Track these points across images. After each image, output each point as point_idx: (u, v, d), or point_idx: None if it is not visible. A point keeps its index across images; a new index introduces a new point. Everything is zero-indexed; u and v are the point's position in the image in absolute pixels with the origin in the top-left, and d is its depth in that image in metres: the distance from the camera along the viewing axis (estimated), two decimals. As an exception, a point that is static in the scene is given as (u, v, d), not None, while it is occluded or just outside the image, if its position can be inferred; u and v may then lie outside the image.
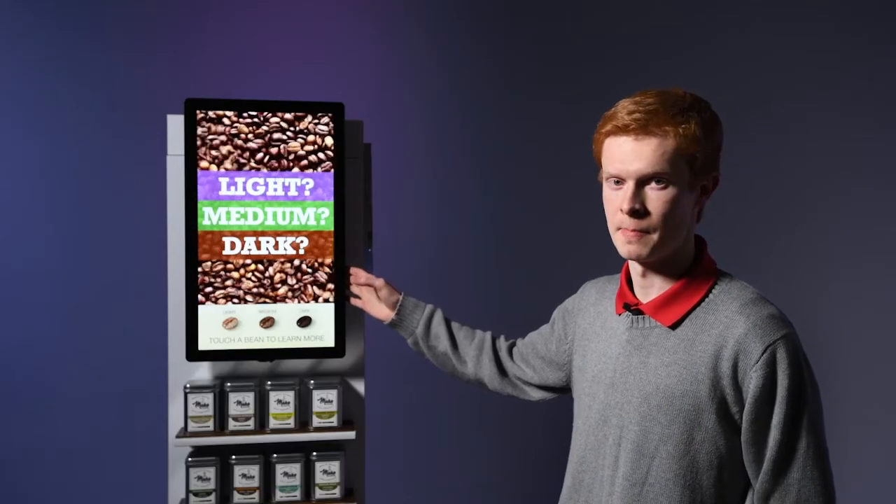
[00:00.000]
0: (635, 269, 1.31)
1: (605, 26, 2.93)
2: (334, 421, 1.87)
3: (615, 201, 1.23)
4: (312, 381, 1.88)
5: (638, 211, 1.20)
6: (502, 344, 1.68)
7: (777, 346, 1.17)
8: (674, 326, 1.25)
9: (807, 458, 1.18)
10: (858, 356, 3.02)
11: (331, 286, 1.85)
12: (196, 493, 1.82)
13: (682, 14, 2.97)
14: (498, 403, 2.82)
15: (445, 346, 1.68)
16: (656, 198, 1.20)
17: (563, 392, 1.58)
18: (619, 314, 1.34)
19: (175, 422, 1.89)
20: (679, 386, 1.22)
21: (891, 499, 3.03)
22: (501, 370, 1.65)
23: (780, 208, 3.02)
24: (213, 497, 1.83)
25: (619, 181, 1.23)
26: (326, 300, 1.85)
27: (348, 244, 1.88)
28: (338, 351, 1.86)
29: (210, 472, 1.83)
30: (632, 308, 1.30)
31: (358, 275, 1.81)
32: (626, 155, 1.20)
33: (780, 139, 3.01)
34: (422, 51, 2.83)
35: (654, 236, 1.21)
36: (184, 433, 1.83)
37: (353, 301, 1.84)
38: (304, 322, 1.85)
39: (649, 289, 1.29)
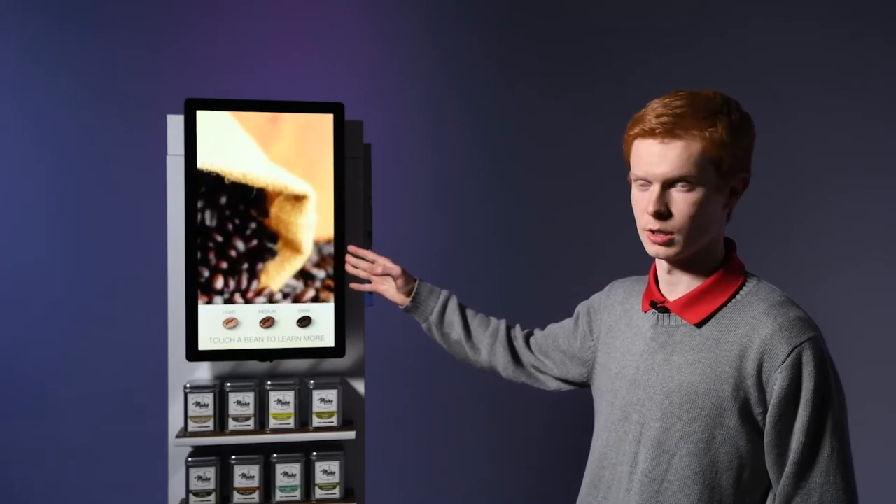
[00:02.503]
0: (662, 266, 1.31)
1: (606, 25, 2.93)
2: (334, 421, 1.87)
3: (642, 202, 1.25)
4: (312, 381, 1.88)
5: (662, 213, 1.22)
6: (518, 333, 1.67)
7: (803, 348, 1.17)
8: (699, 325, 1.25)
9: (830, 462, 1.17)
10: (858, 356, 3.02)
11: (331, 286, 1.85)
12: (196, 493, 1.82)
13: (683, 13, 2.97)
14: (498, 403, 2.84)
15: (459, 333, 1.67)
16: (681, 200, 1.21)
17: (581, 386, 1.56)
18: (645, 311, 1.34)
19: (175, 422, 1.89)
20: (702, 384, 1.21)
21: (891, 499, 3.03)
22: (516, 359, 1.64)
23: (781, 208, 3.02)
24: (213, 497, 1.83)
25: (646, 183, 1.24)
26: (326, 300, 1.85)
27: (348, 244, 1.88)
28: (338, 351, 1.86)
29: (210, 472, 1.83)
30: (658, 306, 1.30)
31: (375, 263, 1.74)
32: (652, 157, 1.21)
33: (779, 139, 3.00)
34: (422, 51, 2.83)
35: (679, 237, 1.22)
36: (184, 433, 1.83)
37: (364, 286, 1.77)
38: (304, 322, 1.84)
39: (676, 286, 1.29)
